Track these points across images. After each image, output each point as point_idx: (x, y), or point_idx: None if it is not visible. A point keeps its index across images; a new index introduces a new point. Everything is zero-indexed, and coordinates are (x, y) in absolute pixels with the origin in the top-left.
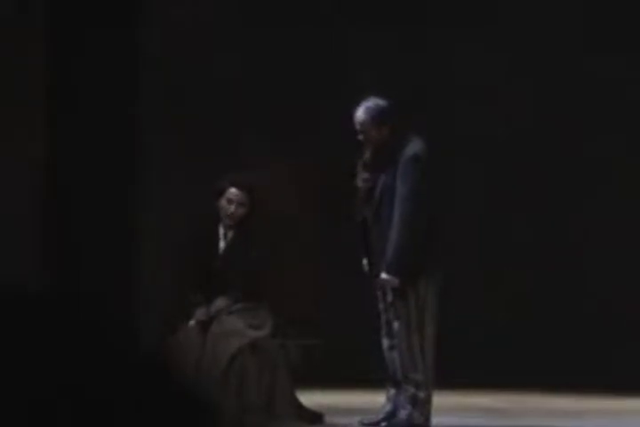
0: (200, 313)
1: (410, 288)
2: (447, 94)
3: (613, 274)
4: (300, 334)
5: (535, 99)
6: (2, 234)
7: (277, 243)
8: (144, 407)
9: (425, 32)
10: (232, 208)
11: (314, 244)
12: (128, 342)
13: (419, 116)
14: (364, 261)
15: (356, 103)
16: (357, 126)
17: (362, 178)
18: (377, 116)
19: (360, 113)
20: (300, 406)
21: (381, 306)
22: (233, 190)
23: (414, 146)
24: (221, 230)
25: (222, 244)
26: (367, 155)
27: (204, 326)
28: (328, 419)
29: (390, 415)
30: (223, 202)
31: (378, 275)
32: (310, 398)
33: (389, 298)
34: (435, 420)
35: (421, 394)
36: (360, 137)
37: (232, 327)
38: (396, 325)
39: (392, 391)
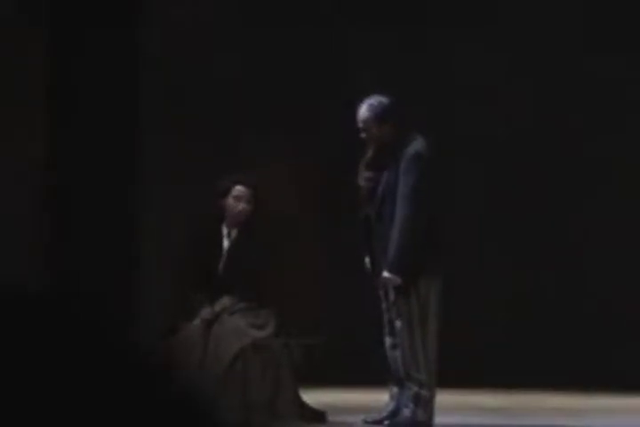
0: (205, 312)
1: (411, 287)
2: (447, 94)
3: (613, 274)
4: (302, 333)
5: (535, 99)
6: (2, 234)
7: (278, 242)
8: (144, 408)
9: (425, 32)
10: (241, 205)
11: (314, 243)
12: (127, 342)
13: (419, 116)
14: (367, 260)
15: (357, 103)
16: (360, 124)
17: (364, 177)
18: (379, 114)
19: (362, 110)
20: (303, 404)
21: (384, 305)
22: (239, 188)
23: (417, 144)
24: (225, 230)
25: (226, 243)
26: (369, 153)
27: (209, 324)
28: (331, 418)
29: (393, 414)
30: (230, 200)
31: (380, 273)
32: (313, 397)
33: (391, 297)
34: (438, 418)
35: (424, 392)
36: (362, 135)
37: (234, 327)
38: (398, 323)
39: (395, 390)
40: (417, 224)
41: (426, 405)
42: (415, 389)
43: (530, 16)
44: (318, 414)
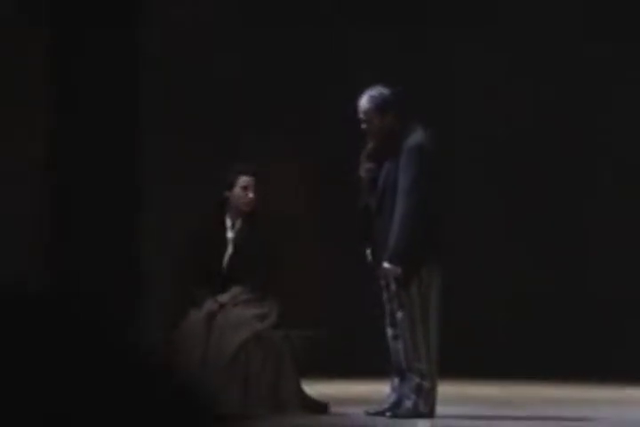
0: (210, 304)
1: (413, 278)
2: (447, 94)
3: (613, 274)
4: (304, 324)
5: (535, 99)
6: (2, 234)
7: (280, 232)
8: (142, 407)
9: (425, 32)
10: (250, 194)
11: (316, 234)
12: (127, 342)
13: (419, 115)
14: (368, 251)
15: (356, 103)
16: (361, 115)
17: (365, 168)
18: (380, 105)
19: (363, 101)
20: (305, 396)
21: (385, 296)
22: (245, 178)
23: (417, 135)
24: (228, 221)
25: (230, 234)
26: (371, 144)
27: (213, 316)
28: (333, 409)
29: (395, 405)
30: (237, 190)
31: (381, 264)
32: (315, 389)
33: (393, 288)
34: (439, 409)
35: (426, 384)
36: (363, 126)
37: (237, 319)
38: (399, 314)
39: (397, 381)
40: (417, 217)
41: (427, 396)
42: (417, 380)
43: (530, 16)
44: (320, 406)
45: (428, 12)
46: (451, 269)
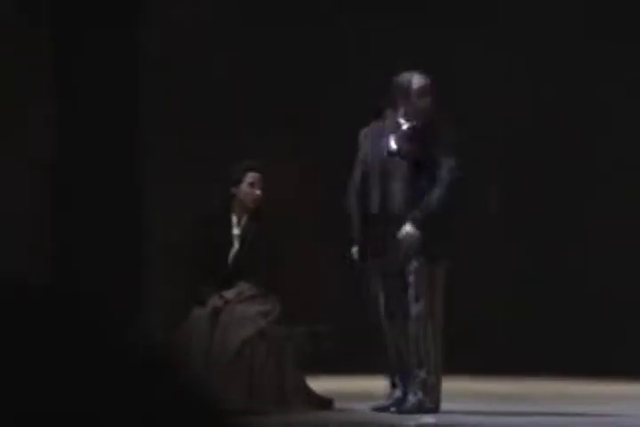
0: (215, 300)
1: (426, 271)
2: (447, 94)
3: (613, 274)
4: (308, 320)
5: (535, 99)
6: (3, 234)
7: (281, 231)
8: (144, 406)
9: (425, 32)
10: (257, 191)
11: (316, 228)
12: (128, 341)
13: None
14: (354, 250)
15: (356, 103)
16: (421, 91)
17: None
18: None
19: (423, 79)
20: (309, 392)
21: (387, 291)
22: (253, 174)
23: (449, 132)
24: (234, 218)
25: (236, 231)
26: (417, 122)
27: (217, 313)
28: (338, 405)
29: (400, 401)
30: (244, 187)
31: (394, 235)
32: (320, 385)
33: (412, 279)
34: (444, 405)
35: (431, 379)
36: (418, 104)
37: (242, 315)
38: (415, 307)
39: (398, 377)
40: (450, 199)
41: (432, 392)
42: (423, 375)
43: (530, 16)
44: (325, 402)
45: (428, 12)
46: (451, 269)
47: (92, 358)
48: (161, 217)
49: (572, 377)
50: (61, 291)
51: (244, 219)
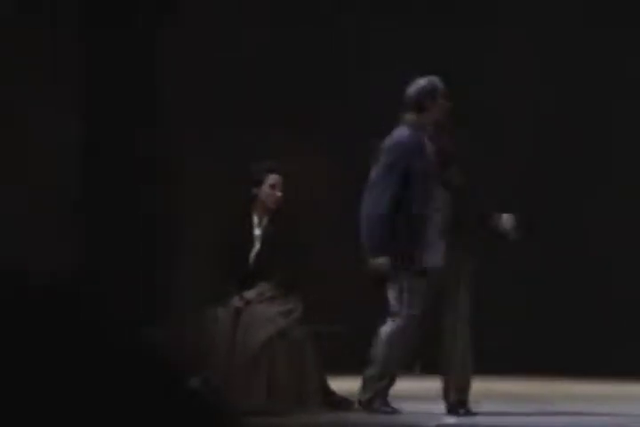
0: (236, 300)
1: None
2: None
3: (613, 274)
4: (329, 320)
5: (535, 99)
6: (30, 232)
7: (302, 231)
8: (145, 406)
9: (425, 32)
10: (277, 193)
11: (336, 230)
12: (130, 341)
13: None
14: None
15: (356, 103)
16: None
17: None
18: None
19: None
20: (330, 392)
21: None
22: (274, 176)
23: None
24: (255, 219)
25: (257, 231)
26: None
27: (239, 312)
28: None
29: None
30: (266, 188)
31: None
32: (340, 385)
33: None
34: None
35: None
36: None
37: (263, 315)
38: (462, 306)
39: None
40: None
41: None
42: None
43: (530, 16)
44: (346, 402)
45: (428, 12)
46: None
47: (92, 358)
48: (162, 217)
49: (572, 377)
50: (61, 291)
51: (265, 220)
